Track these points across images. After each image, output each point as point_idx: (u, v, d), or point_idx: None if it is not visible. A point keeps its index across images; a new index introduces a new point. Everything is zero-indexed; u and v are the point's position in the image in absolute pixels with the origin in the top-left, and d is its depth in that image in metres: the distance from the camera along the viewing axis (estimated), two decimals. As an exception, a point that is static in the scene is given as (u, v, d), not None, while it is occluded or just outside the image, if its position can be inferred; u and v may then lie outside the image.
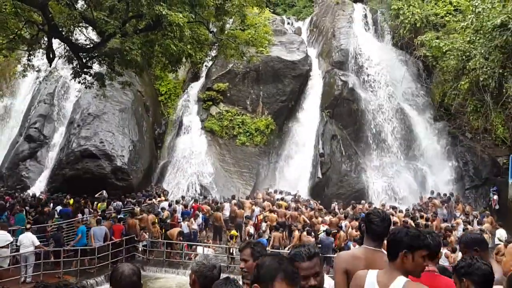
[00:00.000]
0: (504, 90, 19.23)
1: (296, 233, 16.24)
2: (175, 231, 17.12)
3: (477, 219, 17.87)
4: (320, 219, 18.02)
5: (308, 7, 39.41)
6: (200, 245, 17.09)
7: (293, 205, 20.63)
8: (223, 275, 3.28)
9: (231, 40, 18.87)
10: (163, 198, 21.58)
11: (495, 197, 21.13)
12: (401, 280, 3.12)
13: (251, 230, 16.79)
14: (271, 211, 19.11)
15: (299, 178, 25.74)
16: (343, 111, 26.42)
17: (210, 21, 18.52)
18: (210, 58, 24.08)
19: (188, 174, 24.84)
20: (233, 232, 17.19)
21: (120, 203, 19.49)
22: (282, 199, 21.75)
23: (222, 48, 19.33)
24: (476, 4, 20.26)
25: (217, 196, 23.33)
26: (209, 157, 25.75)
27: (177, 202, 20.75)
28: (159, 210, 19.42)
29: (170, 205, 20.17)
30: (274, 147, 27.72)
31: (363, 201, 21.81)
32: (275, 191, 23.85)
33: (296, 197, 22.52)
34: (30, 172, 23.99)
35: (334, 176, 24.58)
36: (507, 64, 19.12)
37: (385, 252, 3.41)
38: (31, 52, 18.10)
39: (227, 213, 19.80)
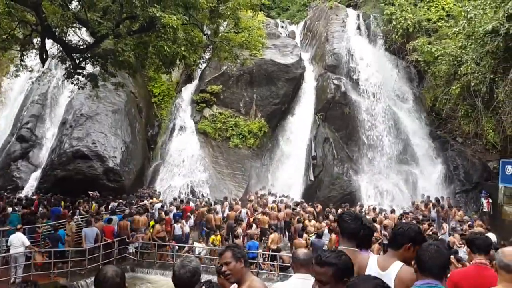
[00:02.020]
0: (495, 95, 19.39)
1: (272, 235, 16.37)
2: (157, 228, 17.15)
3: (468, 223, 17.97)
4: (313, 222, 18.02)
5: (302, 11, 39.58)
6: (191, 246, 17.07)
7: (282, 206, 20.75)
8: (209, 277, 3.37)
9: (225, 43, 18.91)
10: (155, 199, 21.56)
11: (490, 200, 21.22)
12: (398, 264, 3.61)
13: (239, 231, 16.81)
14: (263, 213, 19.15)
15: (291, 181, 25.84)
16: (336, 114, 26.56)
17: (204, 24, 18.55)
18: (204, 60, 24.18)
19: (181, 175, 24.84)
20: (213, 237, 17.06)
21: (116, 204, 19.50)
22: (275, 201, 21.81)
23: (216, 50, 19.39)
24: (468, 10, 20.46)
25: (209, 198, 23.32)
26: (202, 159, 25.75)
27: (170, 204, 20.80)
28: (153, 211, 19.42)
29: (163, 206, 20.16)
30: (267, 150, 27.80)
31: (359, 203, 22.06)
32: (269, 193, 23.90)
33: (289, 200, 22.62)
34: (21, 172, 23.87)
35: (326, 179, 24.68)
36: (498, 70, 19.30)
37: (361, 252, 3.77)
38: (24, 52, 18.03)
39: (220, 215, 19.88)
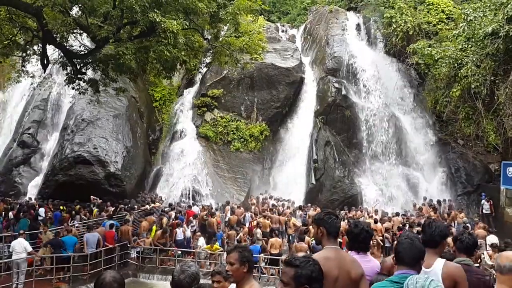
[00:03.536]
0: (495, 97, 19.41)
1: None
2: (158, 234, 17.14)
3: (469, 226, 17.95)
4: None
5: (302, 15, 39.71)
6: (193, 251, 17.05)
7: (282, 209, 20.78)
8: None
9: (225, 47, 18.95)
10: (157, 204, 21.56)
11: (491, 202, 21.14)
12: (441, 260, 3.98)
13: (241, 235, 16.80)
14: (265, 217, 19.15)
15: (293, 184, 25.84)
16: (337, 117, 26.59)
17: (204, 28, 18.59)
18: (204, 64, 24.20)
19: (182, 180, 24.81)
20: (209, 247, 16.78)
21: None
22: (276, 205, 21.80)
23: (217, 55, 19.42)
24: (468, 12, 20.54)
25: (211, 202, 23.33)
26: (203, 163, 25.76)
27: (172, 208, 20.83)
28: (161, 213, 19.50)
29: (163, 211, 20.16)
30: (268, 153, 27.82)
31: (359, 207, 22.05)
32: (270, 197, 23.90)
33: (290, 203, 22.64)
34: (23, 178, 23.92)
35: (327, 182, 24.68)
36: (498, 72, 19.33)
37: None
38: (25, 58, 18.13)
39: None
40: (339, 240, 15.64)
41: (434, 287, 2.93)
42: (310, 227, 17.78)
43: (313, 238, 16.20)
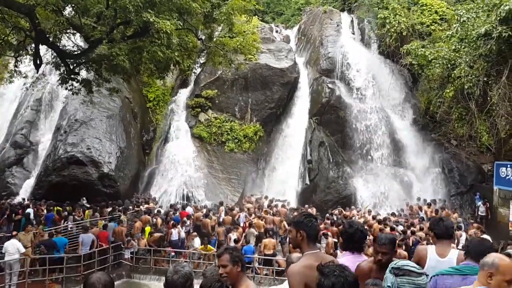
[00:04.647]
0: (488, 98, 19.50)
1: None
2: (156, 237, 17.10)
3: (462, 226, 18.02)
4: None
5: (296, 15, 39.76)
6: (188, 251, 17.01)
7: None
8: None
9: (219, 48, 18.94)
10: (151, 205, 21.50)
11: (488, 204, 21.22)
12: (455, 250, 4.62)
13: (233, 237, 16.73)
14: (259, 217, 19.14)
15: (287, 185, 25.86)
16: (331, 118, 26.64)
17: (198, 29, 18.56)
18: (198, 65, 24.16)
19: (176, 180, 24.77)
20: (203, 247, 16.77)
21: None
22: (270, 206, 21.80)
23: (211, 55, 19.41)
24: (461, 13, 20.63)
25: (206, 202, 23.28)
26: (197, 163, 25.73)
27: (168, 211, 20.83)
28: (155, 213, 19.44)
29: (159, 212, 20.12)
30: (263, 154, 27.82)
31: (353, 207, 22.08)
32: (265, 197, 23.88)
33: (286, 204, 22.63)
34: (16, 178, 23.75)
35: (321, 182, 24.71)
36: (491, 73, 19.41)
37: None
38: (18, 58, 18.00)
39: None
40: (335, 240, 15.71)
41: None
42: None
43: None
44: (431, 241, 6.24)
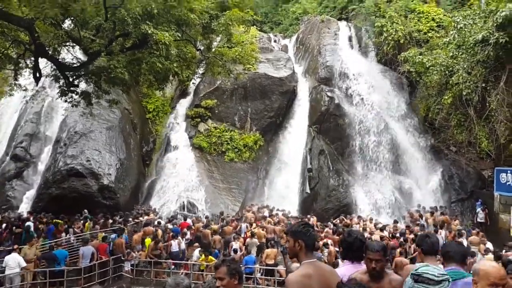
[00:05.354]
0: (487, 104, 19.56)
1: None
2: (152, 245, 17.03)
3: (464, 232, 17.92)
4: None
5: (294, 25, 39.95)
6: (188, 263, 16.92)
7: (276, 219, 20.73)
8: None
9: (218, 58, 19.02)
10: (151, 216, 21.44)
11: (487, 211, 21.19)
12: (441, 266, 4.30)
13: (235, 246, 16.63)
14: (261, 227, 19.07)
15: (287, 193, 25.82)
16: (330, 126, 26.66)
17: (197, 39, 18.66)
18: (198, 75, 24.25)
19: (177, 191, 24.72)
20: (203, 258, 16.15)
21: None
22: (271, 215, 21.74)
23: (210, 65, 19.49)
24: (458, 20, 20.77)
25: (206, 213, 23.23)
26: (197, 174, 25.70)
27: (170, 220, 20.78)
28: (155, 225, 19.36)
29: (159, 223, 20.05)
30: (263, 163, 27.81)
31: (353, 215, 22.02)
32: (266, 207, 23.82)
33: (287, 213, 22.58)
34: (16, 191, 23.70)
35: (322, 191, 24.68)
36: (489, 79, 19.49)
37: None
38: (17, 72, 18.07)
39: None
40: (336, 249, 15.63)
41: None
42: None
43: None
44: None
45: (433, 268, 3.32)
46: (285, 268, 13.87)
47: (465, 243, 16.00)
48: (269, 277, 15.68)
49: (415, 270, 3.29)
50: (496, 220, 20.50)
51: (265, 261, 15.79)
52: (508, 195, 19.66)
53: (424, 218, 20.98)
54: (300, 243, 3.77)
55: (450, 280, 3.36)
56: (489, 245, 15.75)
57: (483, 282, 3.18)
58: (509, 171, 19.55)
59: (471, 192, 23.71)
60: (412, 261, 13.27)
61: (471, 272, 3.38)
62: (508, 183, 19.41)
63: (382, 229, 18.24)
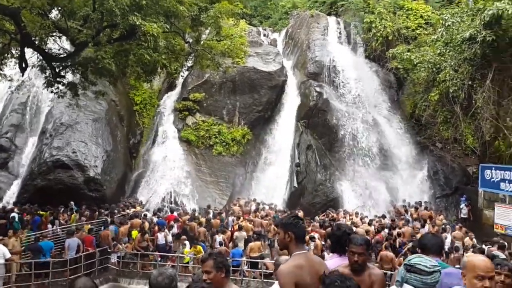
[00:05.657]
0: (473, 101, 19.81)
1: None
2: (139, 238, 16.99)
3: (448, 227, 18.17)
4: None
5: (283, 19, 39.89)
6: (175, 255, 16.92)
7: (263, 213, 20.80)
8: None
9: (207, 51, 18.92)
10: (138, 208, 21.36)
11: (470, 207, 21.50)
12: None
13: (219, 238, 16.62)
14: (248, 220, 19.11)
15: (275, 188, 25.88)
16: (318, 121, 26.74)
17: (186, 32, 18.54)
18: (186, 68, 24.11)
19: (164, 184, 24.63)
20: (193, 249, 16.41)
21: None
22: (258, 209, 21.80)
23: (198, 58, 19.37)
24: (446, 18, 20.93)
25: (193, 206, 23.20)
26: (185, 167, 25.63)
27: (154, 213, 20.71)
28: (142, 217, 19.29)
29: (145, 216, 19.99)
30: (251, 157, 27.81)
31: (340, 209, 22.16)
32: (253, 200, 23.86)
33: (273, 207, 22.66)
34: (1, 182, 23.39)
35: (309, 185, 24.78)
36: (475, 76, 19.72)
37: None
38: (3, 61, 17.76)
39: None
40: (322, 242, 15.76)
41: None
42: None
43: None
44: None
45: (425, 260, 3.40)
46: (272, 261, 13.95)
47: (449, 238, 16.24)
48: (255, 270, 15.77)
49: (408, 260, 3.41)
50: (480, 216, 20.81)
51: (249, 254, 15.86)
52: (493, 191, 19.95)
53: (409, 213, 21.25)
54: (290, 235, 3.80)
55: (441, 271, 3.44)
56: (470, 240, 16.04)
57: (470, 274, 3.24)
58: (493, 168, 19.83)
59: (456, 188, 24.01)
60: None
61: (460, 265, 3.46)
62: (492, 179, 19.69)
63: (369, 224, 18.43)
